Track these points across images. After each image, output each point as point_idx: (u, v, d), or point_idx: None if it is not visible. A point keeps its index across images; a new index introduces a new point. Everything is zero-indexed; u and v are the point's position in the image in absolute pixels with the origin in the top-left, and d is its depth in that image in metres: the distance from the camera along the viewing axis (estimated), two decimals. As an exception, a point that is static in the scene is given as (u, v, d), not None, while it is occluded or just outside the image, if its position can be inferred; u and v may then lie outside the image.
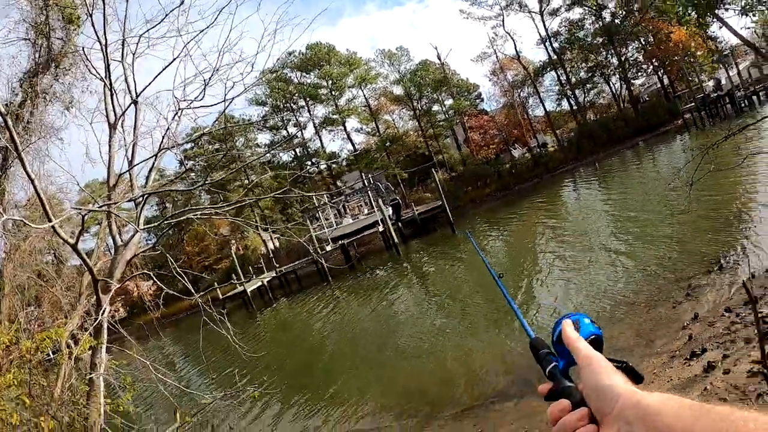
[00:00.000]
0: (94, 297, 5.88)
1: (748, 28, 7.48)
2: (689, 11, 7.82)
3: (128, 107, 8.72)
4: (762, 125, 12.63)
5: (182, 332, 33.05)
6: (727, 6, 7.43)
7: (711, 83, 42.07)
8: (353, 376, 14.88)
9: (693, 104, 41.44)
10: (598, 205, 28.53)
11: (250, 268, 42.67)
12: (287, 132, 62.02)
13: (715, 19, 7.90)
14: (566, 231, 24.79)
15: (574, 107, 60.40)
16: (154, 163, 8.63)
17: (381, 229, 40.61)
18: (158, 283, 7.16)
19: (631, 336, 10.20)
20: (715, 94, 40.05)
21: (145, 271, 8.17)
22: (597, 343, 1.07)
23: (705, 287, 10.88)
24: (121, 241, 7.51)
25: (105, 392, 5.91)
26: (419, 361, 13.81)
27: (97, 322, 5.80)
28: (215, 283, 18.25)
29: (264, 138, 63.23)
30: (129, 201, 8.70)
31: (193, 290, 7.08)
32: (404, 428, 10.02)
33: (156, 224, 10.89)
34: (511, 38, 60.32)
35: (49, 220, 4.77)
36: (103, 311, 5.93)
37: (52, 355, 7.03)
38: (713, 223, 15.05)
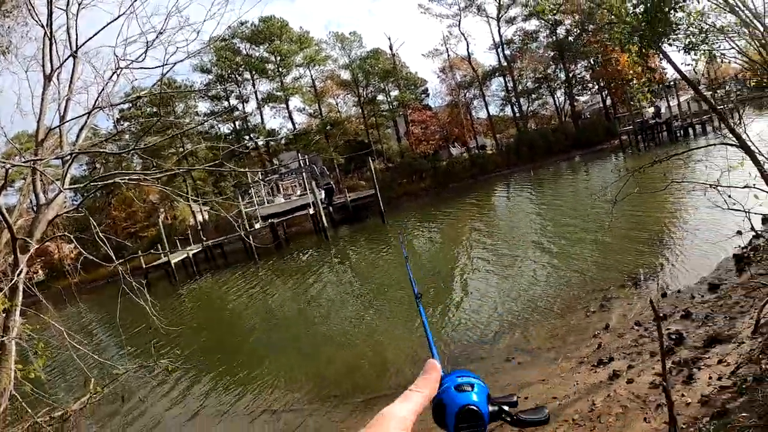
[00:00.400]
0: (12, 256, 5.57)
1: (689, 64, 7.85)
2: (633, 39, 8.20)
3: (66, 59, 8.25)
4: (693, 155, 13.43)
5: (102, 300, 31.58)
6: (671, 42, 7.80)
7: (651, 110, 44.16)
8: (272, 357, 14.79)
9: (631, 127, 43.34)
10: (529, 210, 29.56)
11: (176, 239, 41.35)
12: (229, 103, 60.40)
13: (658, 52, 8.26)
14: (496, 233, 25.55)
15: (517, 114, 62.13)
16: (86, 121, 8.22)
17: (312, 211, 40.48)
18: (78, 247, 6.85)
19: (545, 339, 10.67)
20: (654, 121, 41.98)
21: (66, 234, 7.80)
22: (472, 413, 0.93)
23: (619, 300, 11.52)
24: (45, 199, 7.15)
25: (17, 357, 5.63)
26: (339, 348, 13.90)
27: (12, 282, 5.50)
28: (139, 252, 17.63)
29: (204, 106, 61.36)
30: (57, 158, 8.28)
31: (114, 257, 6.81)
32: (317, 411, 10.08)
33: (82, 185, 10.40)
34: (465, 39, 61.45)
35: (-28, 172, 4.48)
36: (20, 272, 5.62)
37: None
38: (634, 240, 15.92)
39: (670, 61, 8.13)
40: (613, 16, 8.61)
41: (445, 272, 20.23)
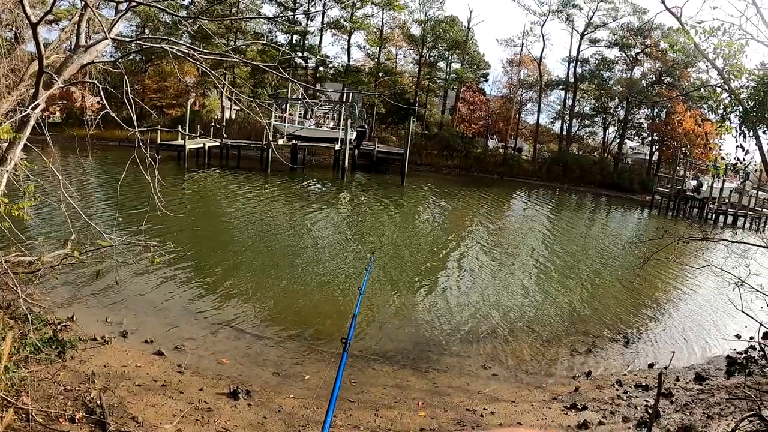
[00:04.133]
0: (33, 89, 5.16)
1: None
2: (735, 111, 7.73)
3: None
4: (733, 247, 13.07)
5: (108, 161, 31.22)
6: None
7: (693, 182, 43.54)
8: (252, 272, 14.57)
9: (668, 191, 42.77)
10: (541, 228, 29.04)
11: (198, 126, 40.93)
12: (293, 14, 59.09)
13: (753, 135, 7.78)
14: (501, 235, 25.22)
15: (564, 133, 60.99)
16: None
17: (337, 147, 40.17)
18: (103, 99, 6.42)
19: (525, 360, 10.42)
20: (691, 194, 41.47)
21: (95, 82, 7.37)
22: None
23: (607, 351, 11.22)
24: (86, 42, 6.70)
25: (5, 191, 5.28)
26: (318, 288, 13.66)
27: (24, 114, 5.12)
28: (160, 126, 17.24)
29: (270, 10, 60.05)
30: (112, 0, 7.82)
31: (135, 122, 6.40)
32: (281, 345, 9.84)
33: (129, 39, 9.89)
34: (543, 41, 60.01)
35: (19, -16, 4.03)
36: (35, 105, 5.23)
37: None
38: (639, 300, 15.56)
39: (761, 149, 7.69)
40: (719, 83, 8.06)
41: (441, 251, 19.97)
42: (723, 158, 8.39)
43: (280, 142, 40.10)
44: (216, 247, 16.91)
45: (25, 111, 5.10)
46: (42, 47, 5.00)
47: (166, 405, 6.74)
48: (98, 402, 6.17)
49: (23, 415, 5.33)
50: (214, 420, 6.57)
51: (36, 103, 5.19)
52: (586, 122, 61.98)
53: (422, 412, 7.62)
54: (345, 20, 58.76)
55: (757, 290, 9.00)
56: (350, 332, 3.58)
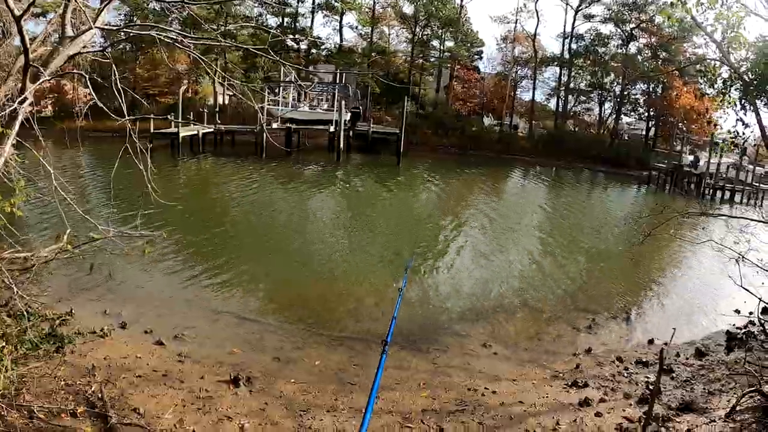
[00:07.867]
0: (21, 84, 5.07)
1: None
2: (735, 85, 7.67)
3: None
4: (733, 223, 13.07)
5: (101, 153, 30.87)
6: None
7: (690, 158, 43.33)
8: (250, 258, 14.52)
9: (665, 166, 42.60)
10: (540, 205, 29.05)
11: (191, 113, 40.58)
12: (284, -3, 58.32)
13: (752, 107, 7.71)
14: (500, 212, 25.20)
15: (560, 109, 60.65)
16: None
17: (332, 129, 39.95)
18: (91, 91, 6.34)
19: (526, 338, 10.49)
20: (688, 170, 41.41)
21: (82, 73, 7.26)
22: None
23: (607, 328, 11.26)
24: (72, 33, 6.58)
25: (-2, 187, 5.22)
26: (317, 273, 13.68)
27: (12, 108, 5.04)
28: (152, 114, 17.05)
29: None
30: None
31: (126, 112, 6.31)
32: (280, 330, 9.84)
33: (116, 28, 9.76)
34: (537, 17, 59.21)
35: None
36: (23, 99, 5.15)
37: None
38: (639, 276, 15.61)
39: (760, 122, 7.65)
40: (718, 57, 7.97)
41: (440, 230, 20.00)
42: (729, 132, 8.28)
43: (274, 125, 39.81)
44: (212, 235, 16.85)
45: (13, 106, 5.02)
46: (27, 40, 4.91)
47: (168, 395, 6.75)
48: (99, 395, 6.18)
49: (25, 413, 5.33)
50: (216, 408, 6.59)
51: (23, 97, 5.11)
52: (582, 98, 61.59)
53: (424, 393, 7.65)
54: (336, 1, 58.04)
55: (758, 265, 9.00)
56: (389, 333, 3.64)
